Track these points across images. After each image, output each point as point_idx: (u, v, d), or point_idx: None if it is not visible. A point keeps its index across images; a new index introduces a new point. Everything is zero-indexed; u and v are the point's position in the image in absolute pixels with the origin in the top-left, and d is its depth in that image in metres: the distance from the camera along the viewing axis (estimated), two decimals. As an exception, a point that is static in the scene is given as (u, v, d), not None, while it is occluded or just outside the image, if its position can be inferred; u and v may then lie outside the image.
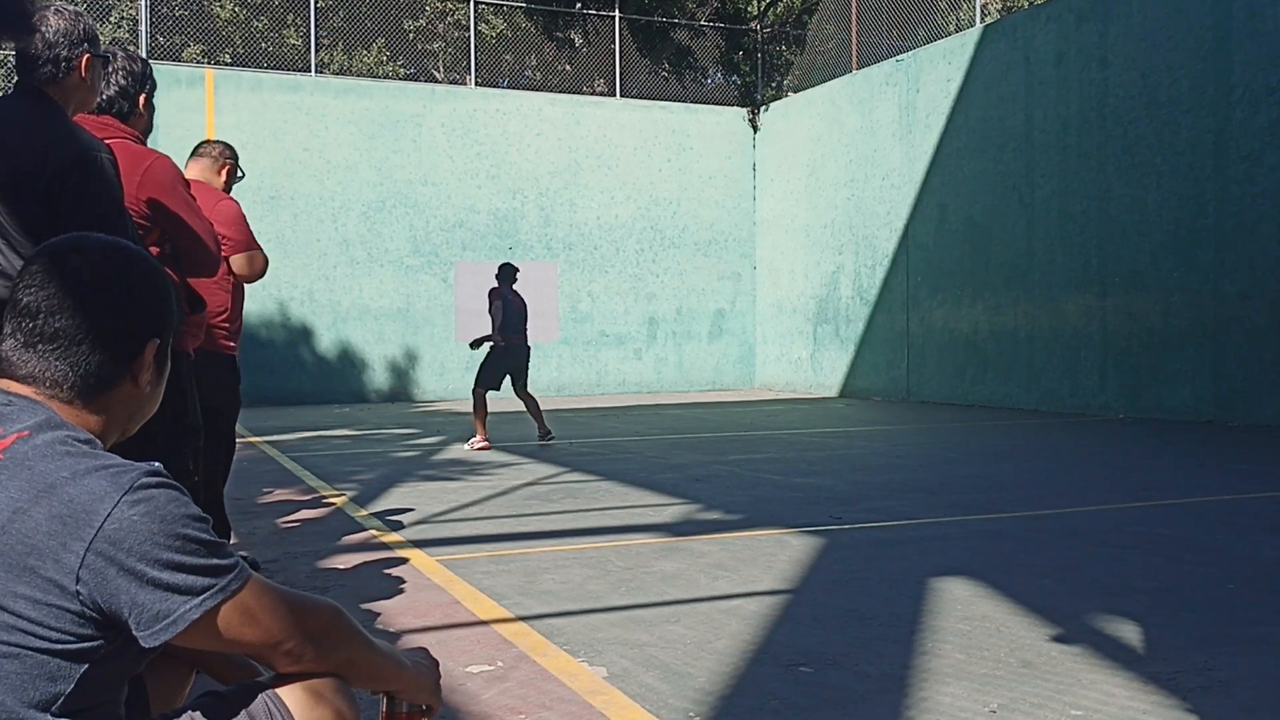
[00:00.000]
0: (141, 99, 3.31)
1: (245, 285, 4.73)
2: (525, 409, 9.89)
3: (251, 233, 4.59)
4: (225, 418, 4.61)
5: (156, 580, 1.26)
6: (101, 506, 1.26)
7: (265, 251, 4.73)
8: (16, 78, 2.69)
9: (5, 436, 1.32)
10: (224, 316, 4.54)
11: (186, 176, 4.58)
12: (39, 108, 2.59)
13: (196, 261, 3.33)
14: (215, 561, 1.31)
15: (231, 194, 4.74)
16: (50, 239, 1.51)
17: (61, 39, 2.66)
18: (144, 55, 15.09)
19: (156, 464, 1.34)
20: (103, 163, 2.58)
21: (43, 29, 2.65)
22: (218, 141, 4.76)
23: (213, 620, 1.30)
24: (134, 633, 1.28)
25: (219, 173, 4.65)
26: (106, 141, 2.72)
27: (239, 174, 4.78)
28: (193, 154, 4.70)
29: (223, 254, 4.48)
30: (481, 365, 9.69)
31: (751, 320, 19.04)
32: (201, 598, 1.29)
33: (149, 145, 3.43)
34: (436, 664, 1.64)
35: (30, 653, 1.26)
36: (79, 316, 1.39)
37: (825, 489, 6.77)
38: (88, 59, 2.68)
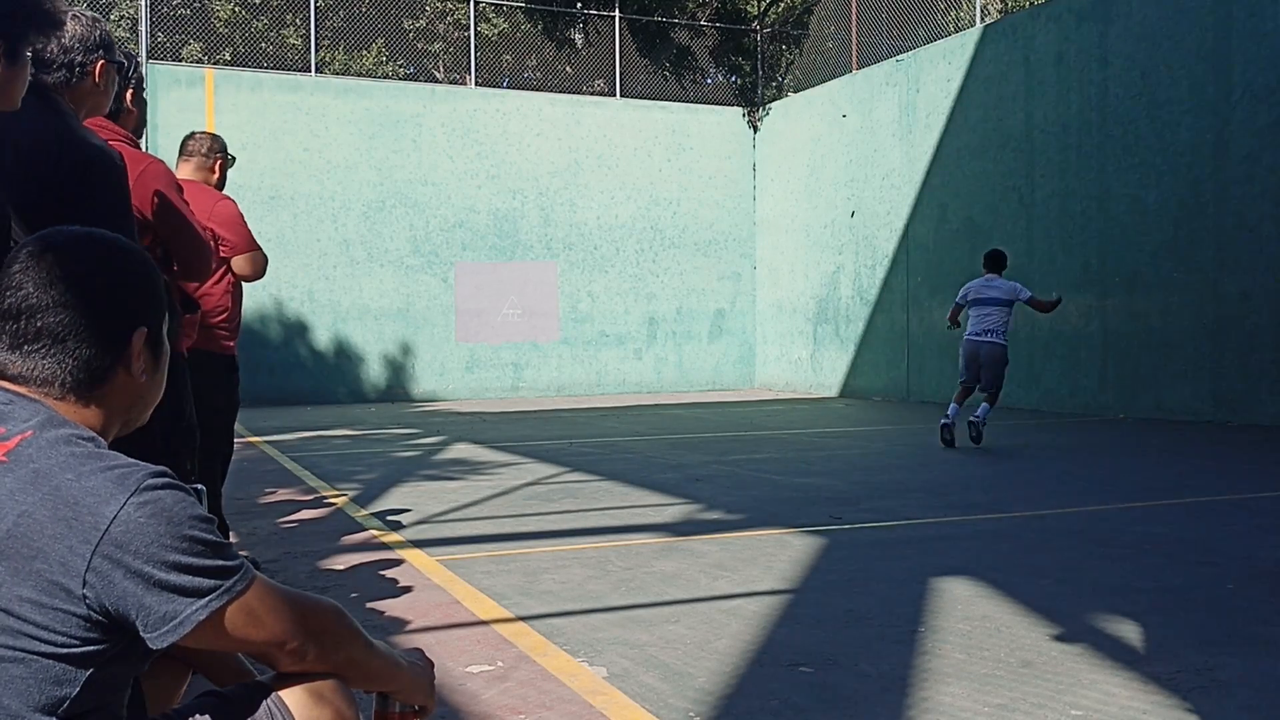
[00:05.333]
0: (128, 94, 3.30)
1: (245, 285, 4.72)
2: None
3: (250, 233, 4.55)
4: (224, 417, 4.59)
5: (163, 582, 1.26)
6: (107, 509, 1.25)
7: (265, 251, 4.72)
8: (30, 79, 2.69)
9: (9, 437, 1.32)
10: (224, 317, 4.52)
11: (178, 177, 4.54)
12: (50, 111, 2.60)
13: (190, 265, 3.32)
14: (221, 563, 1.31)
15: (228, 192, 4.66)
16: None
17: (77, 44, 2.67)
18: (143, 53, 15.09)
19: (163, 466, 1.34)
20: (113, 168, 2.59)
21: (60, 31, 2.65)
22: (203, 135, 4.62)
23: (219, 621, 1.30)
24: (141, 635, 1.28)
25: (212, 169, 4.57)
26: None
27: (230, 160, 4.65)
28: (181, 153, 4.58)
29: (223, 255, 4.47)
30: None
31: (751, 320, 19.04)
32: (208, 599, 1.29)
33: (143, 145, 3.42)
34: (432, 664, 1.65)
35: (36, 657, 1.26)
36: (60, 313, 1.37)
37: (825, 489, 6.77)
38: (102, 65, 2.70)
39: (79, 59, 2.66)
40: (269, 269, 4.79)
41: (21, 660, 1.25)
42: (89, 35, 2.69)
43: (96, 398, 1.42)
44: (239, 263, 4.49)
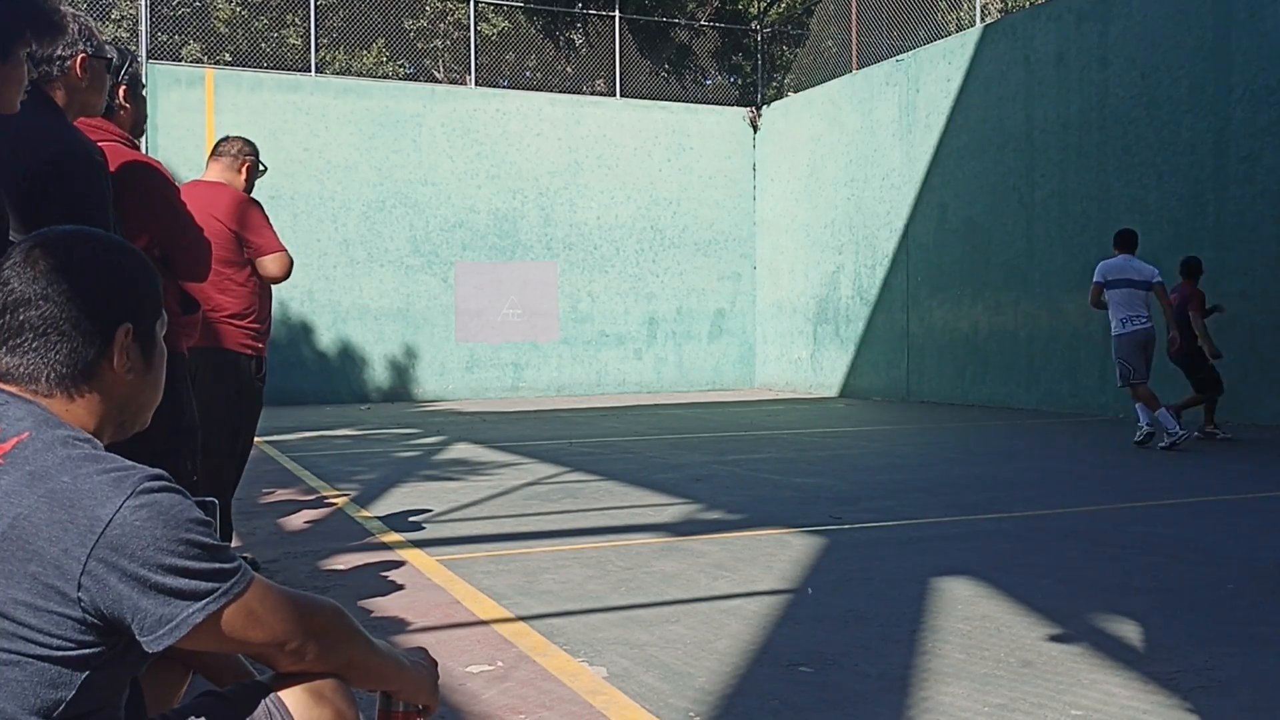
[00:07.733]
0: (121, 91, 3.28)
1: (271, 286, 4.64)
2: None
3: (275, 234, 4.51)
4: (250, 419, 4.53)
5: (160, 585, 1.26)
6: (104, 511, 1.25)
7: (290, 253, 4.64)
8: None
9: (5, 439, 1.32)
10: (253, 318, 4.46)
11: (207, 179, 4.55)
12: (37, 110, 2.59)
13: (185, 266, 3.32)
14: (218, 565, 1.31)
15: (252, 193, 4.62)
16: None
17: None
18: (143, 53, 15.08)
19: (159, 469, 1.34)
20: (88, 162, 2.56)
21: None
22: (236, 138, 4.65)
23: (217, 623, 1.30)
24: (137, 637, 1.28)
25: (239, 171, 4.56)
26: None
27: (261, 168, 4.67)
28: (212, 154, 4.60)
29: (248, 257, 4.45)
30: None
31: (751, 320, 19.03)
32: (205, 601, 1.29)
33: (143, 145, 3.41)
34: (435, 664, 1.65)
35: (32, 660, 1.25)
36: (42, 307, 1.38)
37: (825, 489, 6.77)
38: (83, 58, 2.68)
39: (58, 52, 2.64)
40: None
41: (16, 663, 1.25)
42: (68, 28, 2.67)
43: (83, 394, 1.41)
44: (265, 264, 4.44)
